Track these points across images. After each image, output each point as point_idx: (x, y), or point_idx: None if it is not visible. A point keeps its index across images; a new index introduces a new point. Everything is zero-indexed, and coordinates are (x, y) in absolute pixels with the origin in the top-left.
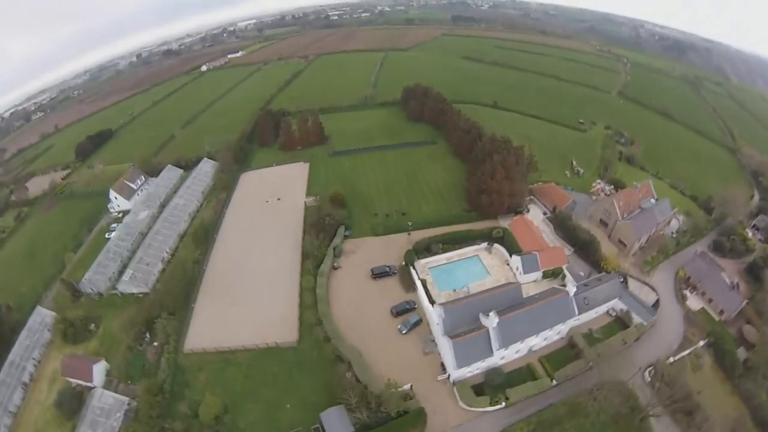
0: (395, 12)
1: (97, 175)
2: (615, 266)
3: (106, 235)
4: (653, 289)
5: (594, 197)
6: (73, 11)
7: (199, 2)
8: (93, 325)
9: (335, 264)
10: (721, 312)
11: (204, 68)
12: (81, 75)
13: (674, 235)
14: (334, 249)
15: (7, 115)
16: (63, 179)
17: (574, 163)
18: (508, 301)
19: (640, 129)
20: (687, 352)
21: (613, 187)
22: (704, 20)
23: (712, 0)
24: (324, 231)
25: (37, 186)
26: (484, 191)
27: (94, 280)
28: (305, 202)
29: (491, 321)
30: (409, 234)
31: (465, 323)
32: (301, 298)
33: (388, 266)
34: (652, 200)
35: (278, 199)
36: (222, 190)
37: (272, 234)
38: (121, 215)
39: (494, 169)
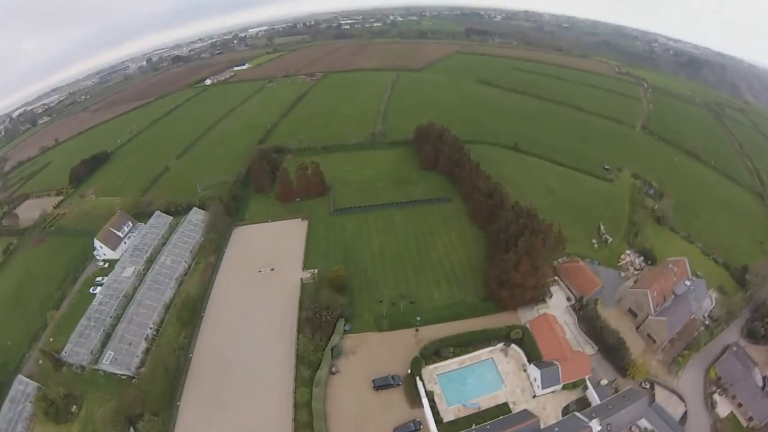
0: (408, 22)
1: (87, 210)
2: (644, 375)
3: (91, 290)
4: (681, 398)
5: (622, 273)
6: (92, 11)
7: (213, 6)
8: (75, 406)
9: (333, 368)
10: (750, 418)
11: (208, 82)
12: (92, 76)
13: (707, 321)
14: (332, 350)
15: (15, 114)
16: (55, 207)
17: (602, 228)
18: None
19: (668, 174)
20: None
21: (643, 258)
22: (716, 32)
23: (722, 12)
24: (321, 329)
25: (29, 211)
26: (504, 283)
27: (75, 352)
28: (301, 278)
29: None
30: (417, 330)
31: None
32: (295, 414)
33: (393, 376)
34: (687, 282)
35: (272, 269)
36: (211, 252)
37: (264, 320)
38: (106, 265)
39: (519, 260)
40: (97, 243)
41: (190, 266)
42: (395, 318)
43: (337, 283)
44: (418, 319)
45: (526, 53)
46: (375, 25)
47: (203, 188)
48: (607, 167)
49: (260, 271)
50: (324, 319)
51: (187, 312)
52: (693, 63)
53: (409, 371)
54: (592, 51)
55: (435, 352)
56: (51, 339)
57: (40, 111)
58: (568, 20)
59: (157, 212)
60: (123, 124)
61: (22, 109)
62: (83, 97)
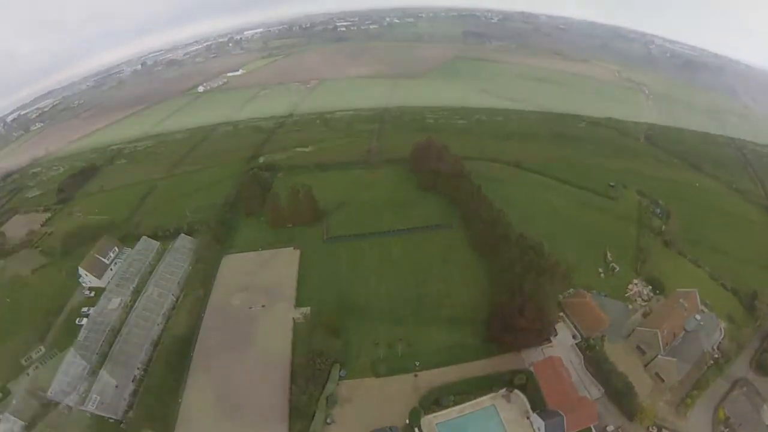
0: (404, 24)
1: (73, 231)
2: (651, 420)
3: (77, 321)
4: None
5: (630, 305)
6: (93, 11)
7: (213, 8)
8: None
9: (328, 419)
10: None
11: (201, 89)
12: (88, 79)
13: (716, 354)
14: (327, 399)
15: (9, 119)
16: (42, 225)
17: (609, 256)
18: None
19: (674, 189)
20: None
21: (651, 288)
22: (714, 34)
23: (719, 12)
24: (314, 377)
25: (16, 228)
26: (508, 327)
27: (62, 391)
28: (294, 318)
29: None
30: (415, 375)
31: None
32: None
33: (390, 428)
34: (698, 317)
35: (263, 306)
36: (200, 284)
37: (256, 365)
38: (92, 294)
39: (524, 305)
40: (81, 271)
41: (178, 299)
42: (393, 362)
43: (331, 325)
44: (417, 364)
45: (526, 59)
46: (371, 27)
47: (192, 211)
48: (612, 184)
49: (251, 308)
50: (318, 367)
51: (176, 353)
52: (691, 65)
53: (407, 422)
54: (591, 54)
55: (435, 401)
56: (37, 374)
57: (33, 116)
58: (564, 22)
59: (144, 237)
60: (114, 134)
61: (17, 114)
62: (77, 102)
